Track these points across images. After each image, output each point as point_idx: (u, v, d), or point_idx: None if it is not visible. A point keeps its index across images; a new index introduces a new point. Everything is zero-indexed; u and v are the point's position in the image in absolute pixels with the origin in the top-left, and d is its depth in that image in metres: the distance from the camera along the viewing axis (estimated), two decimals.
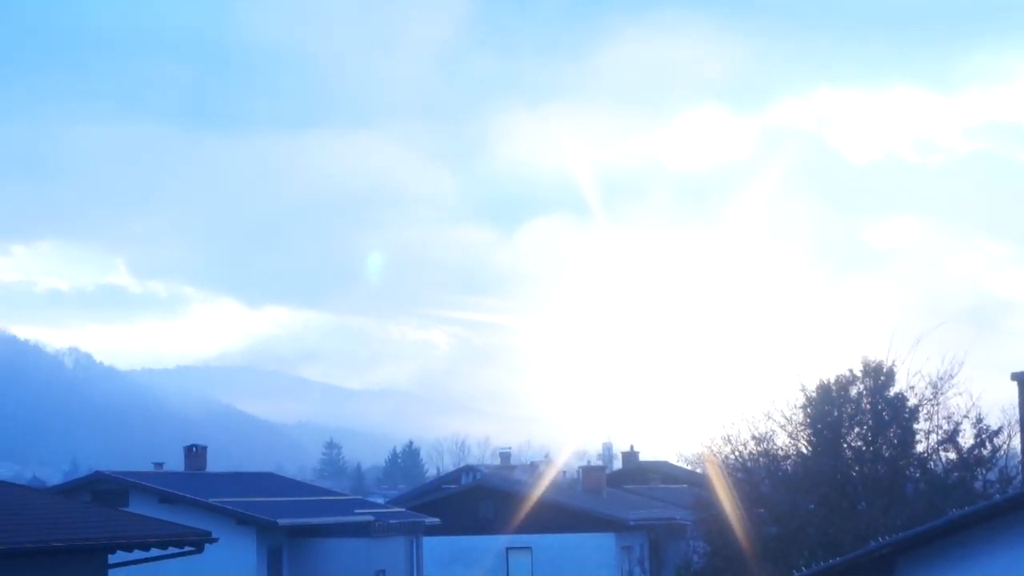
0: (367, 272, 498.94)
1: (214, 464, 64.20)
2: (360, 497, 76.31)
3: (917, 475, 37.94)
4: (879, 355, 37.92)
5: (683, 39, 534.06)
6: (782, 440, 39.68)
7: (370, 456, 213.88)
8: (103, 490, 51.51)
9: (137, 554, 29.40)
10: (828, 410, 38.15)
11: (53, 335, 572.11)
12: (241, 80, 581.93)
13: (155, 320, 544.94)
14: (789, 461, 39.69)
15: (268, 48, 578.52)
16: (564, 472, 77.09)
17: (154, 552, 29.65)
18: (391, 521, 55.11)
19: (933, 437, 37.72)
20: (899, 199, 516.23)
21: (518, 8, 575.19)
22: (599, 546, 62.83)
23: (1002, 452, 37.48)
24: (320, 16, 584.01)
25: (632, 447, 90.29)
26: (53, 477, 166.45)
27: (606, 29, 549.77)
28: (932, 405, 37.48)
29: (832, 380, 38.36)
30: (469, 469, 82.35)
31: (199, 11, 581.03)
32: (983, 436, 37.13)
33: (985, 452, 37.25)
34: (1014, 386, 26.78)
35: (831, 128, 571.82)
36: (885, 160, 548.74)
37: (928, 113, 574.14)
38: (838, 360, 39.61)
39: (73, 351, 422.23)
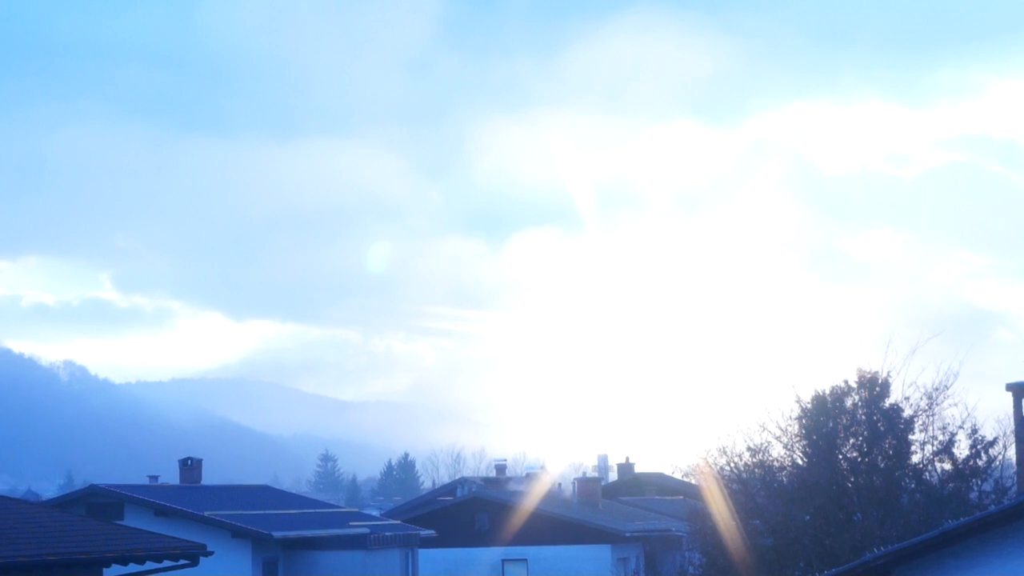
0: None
1: (209, 477, 64.14)
2: (355, 509, 76.23)
3: (913, 486, 37.92)
4: (874, 366, 37.94)
5: (654, 43, 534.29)
6: (777, 451, 39.66)
7: (365, 468, 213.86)
8: (98, 503, 51.44)
9: (132, 567, 29.40)
10: (823, 421, 38.13)
11: (42, 349, 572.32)
12: (219, 89, 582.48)
13: (142, 334, 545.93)
14: (784, 472, 39.65)
15: (245, 57, 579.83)
16: (559, 484, 77.05)
17: (149, 565, 29.64)
18: (386, 533, 55.04)
19: (928, 448, 37.71)
20: (877, 211, 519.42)
21: (489, 10, 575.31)
22: (595, 558, 62.77)
23: (997, 463, 37.46)
24: (294, 23, 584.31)
25: (627, 459, 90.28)
26: (48, 490, 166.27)
27: (576, 30, 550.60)
28: (927, 416, 37.47)
29: (827, 391, 38.34)
30: (464, 481, 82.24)
31: (172, 17, 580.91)
32: (978, 447, 37.12)
33: (980, 463, 37.24)
34: (1009, 396, 26.89)
35: (805, 142, 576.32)
36: (860, 173, 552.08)
37: (899, 126, 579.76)
38: (830, 371, 39.60)
39: (68, 364, 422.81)
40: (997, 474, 37.73)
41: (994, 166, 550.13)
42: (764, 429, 39.36)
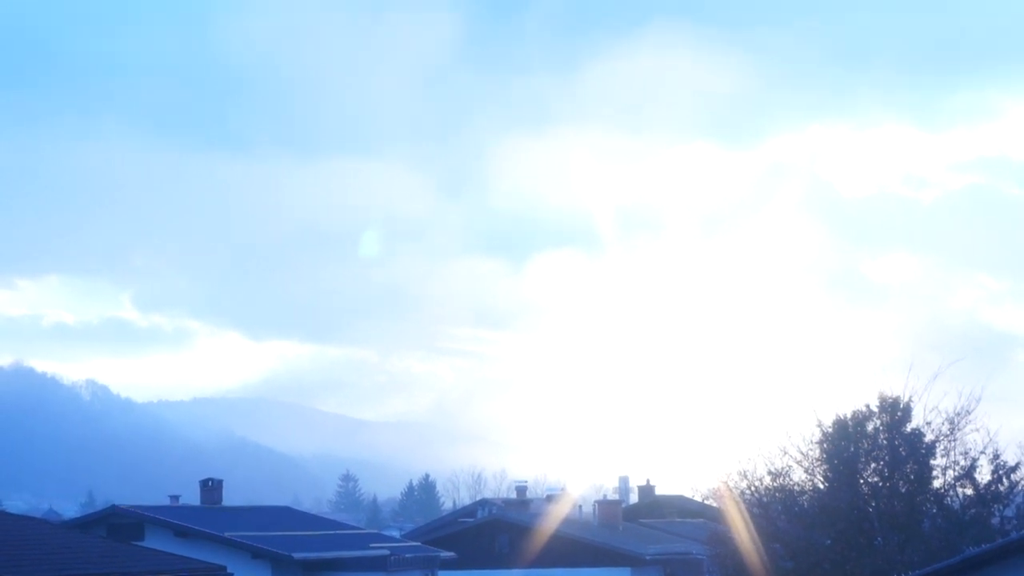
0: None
1: (230, 497, 64.20)
2: (376, 531, 76.26)
3: (934, 511, 37.83)
4: (895, 390, 37.88)
5: (673, 61, 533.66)
6: (798, 475, 39.62)
7: (385, 488, 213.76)
8: (119, 524, 51.54)
9: None
10: (844, 445, 38.08)
11: (64, 368, 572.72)
12: (238, 107, 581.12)
13: (162, 353, 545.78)
14: (805, 496, 39.60)
15: (264, 74, 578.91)
16: (580, 506, 76.89)
17: None
18: (407, 555, 55.01)
19: (950, 473, 37.62)
20: (895, 234, 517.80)
21: (508, 26, 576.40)
22: None
23: (1019, 488, 37.36)
24: (312, 40, 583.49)
25: (648, 481, 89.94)
26: (69, 510, 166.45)
27: (594, 47, 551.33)
28: (949, 441, 37.40)
29: (848, 415, 38.31)
30: (485, 502, 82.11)
31: (190, 34, 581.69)
32: (1000, 472, 37.03)
33: (1002, 488, 37.14)
34: None
35: (823, 164, 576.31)
36: (878, 196, 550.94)
37: (917, 149, 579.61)
38: (851, 395, 39.56)
39: (90, 383, 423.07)
40: (1019, 499, 37.61)
41: (1012, 189, 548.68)
42: (785, 453, 39.35)
